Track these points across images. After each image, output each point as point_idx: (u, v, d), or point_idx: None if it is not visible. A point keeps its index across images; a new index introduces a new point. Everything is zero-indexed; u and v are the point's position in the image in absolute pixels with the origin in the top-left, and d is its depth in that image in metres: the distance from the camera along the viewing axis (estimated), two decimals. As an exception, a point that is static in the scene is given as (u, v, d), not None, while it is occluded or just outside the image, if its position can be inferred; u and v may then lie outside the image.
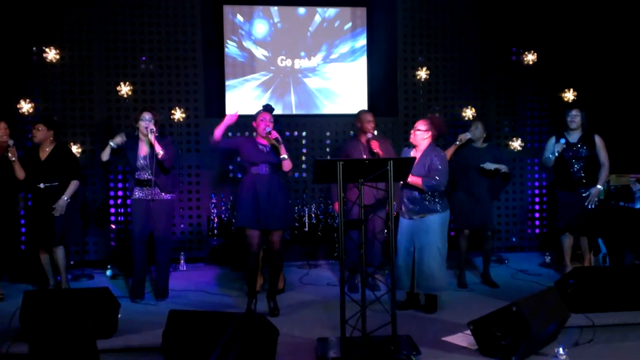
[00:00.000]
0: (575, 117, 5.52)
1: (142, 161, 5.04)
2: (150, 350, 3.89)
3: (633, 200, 5.52)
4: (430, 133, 4.72)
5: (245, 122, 5.94)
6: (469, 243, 5.69)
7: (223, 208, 6.37)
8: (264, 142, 4.76)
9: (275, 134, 4.62)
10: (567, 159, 5.50)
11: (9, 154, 5.11)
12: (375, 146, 5.19)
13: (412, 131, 4.77)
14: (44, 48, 6.25)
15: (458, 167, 5.56)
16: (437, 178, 4.57)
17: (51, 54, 6.23)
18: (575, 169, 5.48)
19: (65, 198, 5.17)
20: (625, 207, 5.44)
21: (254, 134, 4.87)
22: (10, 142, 5.16)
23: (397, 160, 4.07)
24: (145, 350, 3.95)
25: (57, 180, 5.20)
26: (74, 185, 5.25)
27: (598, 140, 5.50)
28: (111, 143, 4.95)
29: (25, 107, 6.15)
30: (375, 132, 5.34)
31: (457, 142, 5.55)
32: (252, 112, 6.94)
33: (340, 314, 3.82)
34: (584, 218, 5.48)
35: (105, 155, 4.97)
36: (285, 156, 4.65)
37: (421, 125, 4.73)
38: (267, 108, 4.82)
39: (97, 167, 6.48)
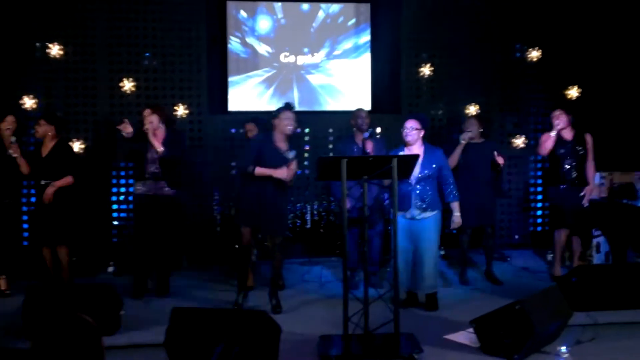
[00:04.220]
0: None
1: (149, 158, 5.06)
2: (154, 347, 3.90)
3: (636, 198, 5.50)
4: (421, 131, 4.73)
5: (246, 119, 5.92)
6: (470, 240, 5.67)
7: (226, 205, 6.34)
8: (282, 145, 4.71)
9: (292, 154, 4.66)
10: (561, 156, 5.41)
11: (11, 151, 5.12)
12: (369, 147, 5.17)
13: (405, 130, 4.72)
14: (47, 44, 6.24)
15: (461, 166, 5.52)
16: (451, 181, 4.80)
17: (54, 50, 6.23)
18: (567, 167, 5.40)
19: (54, 186, 5.11)
20: (629, 205, 5.42)
21: (272, 132, 4.76)
22: (13, 138, 5.16)
23: (402, 157, 4.06)
24: (148, 347, 3.96)
25: (56, 177, 5.18)
26: (66, 178, 5.19)
27: (589, 138, 5.44)
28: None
29: (29, 102, 6.15)
30: (371, 130, 5.29)
31: (462, 141, 5.41)
32: (255, 108, 7.04)
33: (343, 311, 3.82)
34: (578, 215, 5.41)
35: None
36: (293, 167, 4.69)
37: (413, 123, 4.71)
38: (289, 106, 4.73)
39: (100, 163, 6.47)
